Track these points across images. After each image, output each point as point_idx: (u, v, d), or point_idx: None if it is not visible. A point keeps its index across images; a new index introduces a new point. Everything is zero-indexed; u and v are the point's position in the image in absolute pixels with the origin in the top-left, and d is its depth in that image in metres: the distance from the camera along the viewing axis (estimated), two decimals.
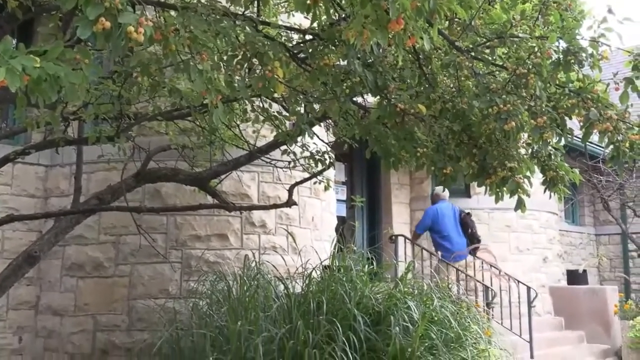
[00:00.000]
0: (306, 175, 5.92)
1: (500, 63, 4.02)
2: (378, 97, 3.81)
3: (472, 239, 8.97)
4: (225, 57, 3.46)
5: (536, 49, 3.69)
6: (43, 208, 6.83)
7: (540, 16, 3.93)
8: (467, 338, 5.00)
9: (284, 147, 5.35)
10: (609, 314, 10.71)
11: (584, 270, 12.56)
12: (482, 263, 9.85)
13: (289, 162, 5.67)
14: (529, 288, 9.15)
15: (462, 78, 3.98)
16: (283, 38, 4.03)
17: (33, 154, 5.76)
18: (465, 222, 8.95)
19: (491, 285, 9.01)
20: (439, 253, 8.76)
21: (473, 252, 9.06)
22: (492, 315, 8.28)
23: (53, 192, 6.96)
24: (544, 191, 4.32)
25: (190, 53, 2.78)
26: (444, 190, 9.08)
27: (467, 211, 9.21)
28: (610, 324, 10.67)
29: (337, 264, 5.47)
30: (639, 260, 14.00)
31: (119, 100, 4.22)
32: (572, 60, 3.63)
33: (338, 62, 3.55)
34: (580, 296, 11.21)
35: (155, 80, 3.75)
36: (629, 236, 13.19)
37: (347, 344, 4.33)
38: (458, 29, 3.89)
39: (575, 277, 12.32)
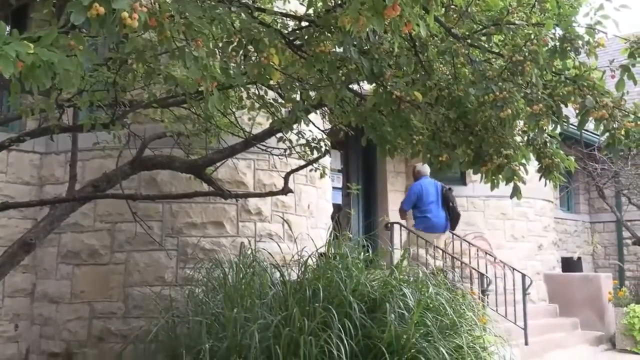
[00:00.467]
0: (302, 162, 5.91)
1: (497, 50, 4.01)
2: (374, 84, 3.80)
3: (453, 213, 9.12)
4: (220, 44, 3.44)
5: (532, 36, 3.68)
6: (38, 195, 6.81)
7: (536, 3, 3.92)
8: (462, 325, 5.02)
9: (279, 135, 5.33)
10: (603, 301, 10.77)
11: (579, 258, 12.62)
12: (478, 250, 9.89)
13: (285, 150, 5.66)
14: (523, 275, 9.19)
15: (459, 65, 3.97)
16: (279, 25, 4.01)
17: (28, 141, 5.74)
18: (446, 197, 9.12)
19: (486, 273, 9.05)
20: (422, 229, 8.95)
21: (451, 229, 9.23)
22: (487, 302, 8.33)
23: (48, 179, 6.94)
24: (540, 179, 4.33)
25: (186, 39, 2.77)
26: (441, 173, 9.30)
27: (448, 187, 9.35)
28: (604, 310, 10.73)
29: (333, 252, 5.48)
30: (634, 248, 14.05)
31: (114, 88, 4.20)
32: (569, 48, 3.63)
33: (334, 49, 3.53)
34: (575, 283, 11.27)
35: (151, 67, 3.73)
36: (623, 224, 13.24)
37: (342, 330, 4.34)
38: (454, 15, 3.87)
39: (569, 265, 12.38)
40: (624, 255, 14.87)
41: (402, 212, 9.23)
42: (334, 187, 8.85)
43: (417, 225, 8.96)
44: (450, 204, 9.07)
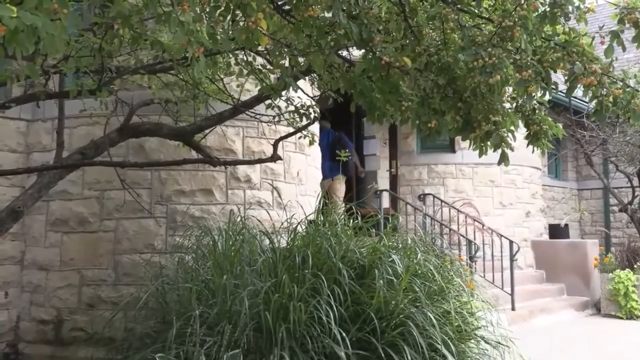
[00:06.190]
0: (291, 129, 5.89)
1: (486, 15, 3.97)
2: (363, 50, 3.77)
3: (344, 164, 9.40)
4: (207, 9, 3.39)
5: (522, 1, 3.64)
6: (25, 163, 6.77)
7: None
8: (450, 291, 5.06)
9: (268, 102, 5.30)
10: (588, 267, 10.90)
11: (566, 225, 12.73)
12: (466, 217, 9.96)
13: (274, 117, 5.63)
14: (511, 242, 9.28)
15: (448, 31, 3.93)
16: None
17: (14, 108, 5.68)
18: (333, 147, 9.39)
19: (474, 239, 9.13)
20: None
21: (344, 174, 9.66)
22: (475, 268, 8.42)
23: (35, 147, 6.89)
24: (527, 145, 4.34)
25: (172, 4, 2.72)
26: (430, 139, 9.70)
27: (339, 137, 9.73)
28: (590, 276, 10.88)
29: (322, 219, 5.49)
30: (620, 215, 14.18)
31: (100, 53, 4.14)
32: (559, 13, 3.60)
33: (323, 14, 3.49)
34: (561, 250, 11.40)
35: (137, 32, 3.66)
36: (610, 191, 13.34)
37: (331, 297, 4.37)
38: None
39: (556, 231, 12.49)
40: (610, 222, 15.02)
41: None
42: None
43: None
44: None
